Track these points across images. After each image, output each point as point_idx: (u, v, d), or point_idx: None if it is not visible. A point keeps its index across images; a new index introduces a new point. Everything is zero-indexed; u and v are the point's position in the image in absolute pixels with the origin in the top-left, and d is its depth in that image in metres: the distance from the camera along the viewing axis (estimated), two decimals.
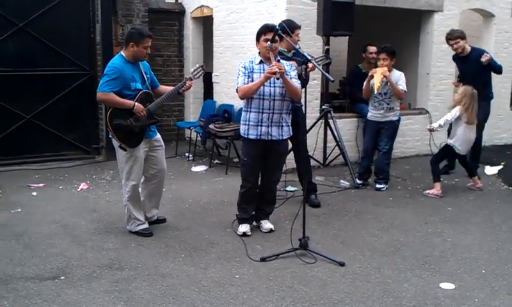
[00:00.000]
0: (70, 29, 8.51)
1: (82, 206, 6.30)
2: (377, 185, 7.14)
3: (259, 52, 5.29)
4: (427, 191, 6.94)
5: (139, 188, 5.41)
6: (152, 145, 5.40)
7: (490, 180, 7.74)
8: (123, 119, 5.11)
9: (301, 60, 5.53)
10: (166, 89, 5.49)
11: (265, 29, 5.20)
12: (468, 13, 9.75)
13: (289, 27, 5.96)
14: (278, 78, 5.00)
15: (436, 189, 6.88)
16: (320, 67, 5.94)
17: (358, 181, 7.24)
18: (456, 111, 6.83)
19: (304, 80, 5.88)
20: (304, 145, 6.19)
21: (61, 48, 8.44)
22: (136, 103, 5.12)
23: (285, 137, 5.34)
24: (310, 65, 5.66)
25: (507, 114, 10.24)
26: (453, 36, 7.54)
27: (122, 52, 5.21)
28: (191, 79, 5.35)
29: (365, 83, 7.03)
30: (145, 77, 5.30)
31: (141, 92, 5.18)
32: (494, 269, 4.70)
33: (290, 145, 5.96)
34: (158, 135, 5.50)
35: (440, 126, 6.95)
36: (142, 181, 5.55)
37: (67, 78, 8.55)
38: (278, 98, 5.19)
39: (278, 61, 5.17)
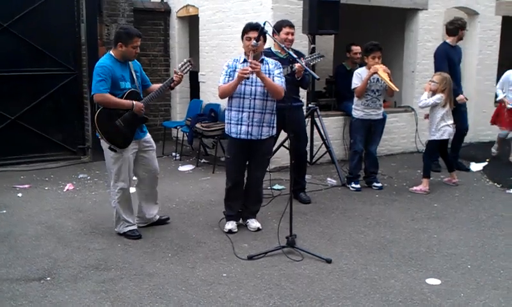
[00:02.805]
0: (54, 29, 8.44)
1: (68, 207, 6.26)
2: (377, 184, 7.13)
3: (245, 51, 5.31)
4: (414, 188, 6.98)
5: (131, 190, 5.35)
6: (142, 146, 5.34)
7: (475, 177, 7.81)
8: (111, 120, 5.04)
9: (288, 59, 5.56)
10: (157, 87, 5.43)
11: (247, 28, 5.22)
12: (453, 11, 9.80)
13: (276, 26, 5.99)
14: (247, 78, 5.05)
15: (423, 185, 6.93)
16: (311, 65, 5.99)
17: (356, 186, 7.07)
18: (439, 98, 6.83)
19: (298, 80, 5.97)
20: (303, 142, 6.45)
21: (45, 49, 8.38)
22: (135, 102, 5.06)
23: (264, 138, 5.32)
24: (297, 65, 5.72)
25: (491, 112, 10.29)
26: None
27: (111, 52, 5.15)
28: (178, 74, 5.26)
29: (362, 84, 6.75)
30: (135, 75, 5.24)
31: (127, 91, 5.11)
32: (479, 264, 4.74)
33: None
34: (148, 136, 5.44)
35: (421, 106, 7.09)
36: (136, 184, 5.53)
37: (52, 79, 8.49)
38: (259, 97, 5.20)
39: (262, 60, 5.20)
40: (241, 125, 5.23)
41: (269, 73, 5.20)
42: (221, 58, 8.73)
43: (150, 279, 4.39)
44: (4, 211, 6.07)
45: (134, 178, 5.46)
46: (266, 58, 5.35)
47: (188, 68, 5.37)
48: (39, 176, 7.65)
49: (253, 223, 5.56)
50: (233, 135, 5.28)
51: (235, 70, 5.20)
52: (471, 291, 4.25)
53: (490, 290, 4.27)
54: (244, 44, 5.21)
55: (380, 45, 6.86)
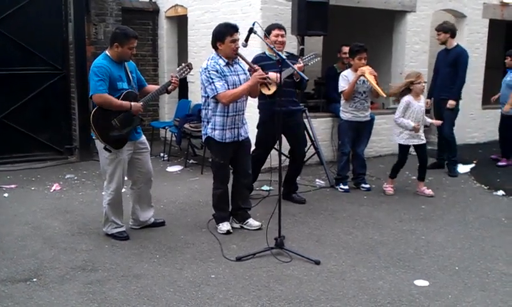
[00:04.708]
0: (42, 28, 8.39)
1: (54, 207, 6.20)
2: (366, 185, 7.15)
3: (217, 53, 5.24)
4: (423, 190, 6.96)
5: (122, 192, 5.31)
6: (137, 147, 5.29)
7: (463, 179, 7.85)
8: (107, 120, 4.97)
9: (293, 62, 5.60)
10: (153, 88, 5.39)
11: (231, 29, 5.15)
12: (441, 13, 9.87)
13: (266, 29, 6.03)
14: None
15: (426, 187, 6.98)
16: (308, 64, 6.04)
17: (345, 187, 7.06)
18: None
19: (297, 82, 6.14)
20: (303, 145, 6.58)
21: (33, 48, 8.32)
22: (133, 103, 5.01)
23: (248, 134, 5.48)
24: (296, 66, 5.80)
25: (478, 114, 10.40)
26: (436, 28, 8.09)
27: (107, 52, 5.08)
28: (177, 78, 5.21)
29: (350, 87, 6.76)
30: (130, 76, 5.17)
31: (124, 92, 5.04)
32: (467, 266, 4.77)
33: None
34: (143, 138, 5.40)
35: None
36: (130, 186, 5.49)
37: (39, 78, 8.43)
38: (244, 99, 5.34)
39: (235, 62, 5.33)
40: (235, 128, 5.28)
41: (245, 72, 5.34)
42: None
43: (137, 281, 4.36)
44: None
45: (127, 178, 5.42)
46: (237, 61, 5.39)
47: (186, 72, 5.32)
48: (25, 176, 7.58)
49: (254, 222, 5.59)
50: (229, 140, 5.28)
51: (225, 75, 5.17)
52: (459, 292, 4.26)
53: (478, 291, 4.29)
54: (228, 47, 5.13)
55: (366, 46, 6.88)
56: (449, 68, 7.95)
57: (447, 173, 8.03)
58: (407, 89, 6.69)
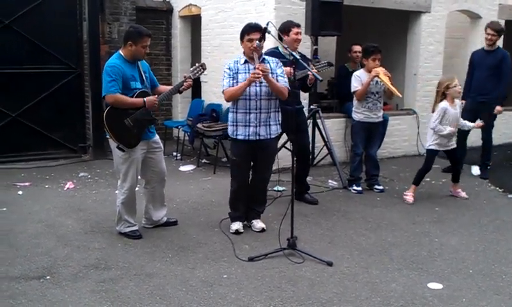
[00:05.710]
0: (56, 26, 8.44)
1: (68, 205, 6.24)
2: (378, 187, 7.11)
3: (244, 52, 5.28)
4: (458, 192, 6.92)
5: (136, 191, 5.31)
6: (151, 147, 5.29)
7: (477, 181, 7.79)
8: (120, 119, 4.98)
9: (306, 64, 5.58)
10: (165, 88, 5.39)
11: (248, 29, 5.18)
12: (456, 14, 9.80)
13: (284, 27, 6.02)
14: (261, 82, 5.05)
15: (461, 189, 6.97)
16: (314, 70, 5.95)
17: (358, 189, 7.03)
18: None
19: (308, 87, 6.14)
20: (307, 142, 6.56)
21: (47, 46, 8.38)
22: (146, 98, 5.03)
23: (273, 136, 5.35)
24: (310, 75, 5.77)
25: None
26: (495, 29, 7.75)
27: (121, 51, 5.08)
28: (190, 78, 5.21)
29: (363, 87, 6.72)
30: (144, 76, 5.18)
31: (137, 91, 5.05)
32: (481, 269, 4.72)
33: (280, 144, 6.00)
34: (156, 137, 5.40)
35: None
36: (143, 185, 5.50)
37: (54, 77, 8.49)
38: (264, 97, 5.19)
39: (263, 60, 5.17)
40: (249, 126, 5.20)
41: (272, 73, 5.18)
42: (223, 58, 8.70)
43: (150, 280, 4.37)
44: (4, 209, 6.06)
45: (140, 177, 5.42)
46: (267, 57, 5.34)
47: (200, 73, 5.31)
48: (39, 174, 7.63)
49: (258, 224, 5.55)
50: (241, 137, 5.23)
51: (237, 72, 5.18)
52: (473, 296, 4.22)
53: (492, 295, 4.25)
54: (245, 46, 5.18)
55: (380, 47, 6.83)
56: (490, 70, 7.69)
57: (479, 175, 7.99)
58: (443, 95, 6.48)
